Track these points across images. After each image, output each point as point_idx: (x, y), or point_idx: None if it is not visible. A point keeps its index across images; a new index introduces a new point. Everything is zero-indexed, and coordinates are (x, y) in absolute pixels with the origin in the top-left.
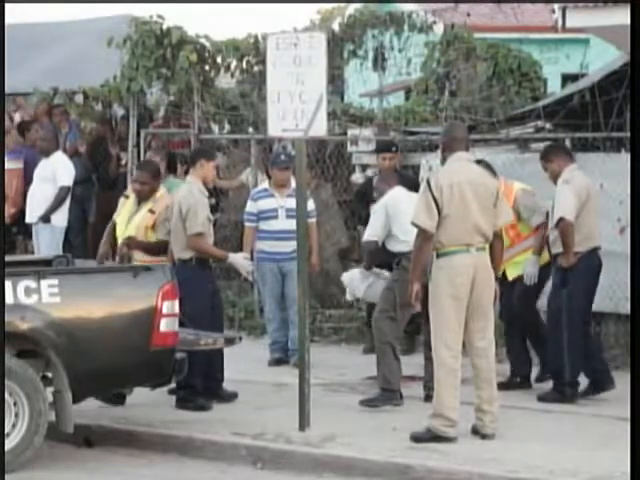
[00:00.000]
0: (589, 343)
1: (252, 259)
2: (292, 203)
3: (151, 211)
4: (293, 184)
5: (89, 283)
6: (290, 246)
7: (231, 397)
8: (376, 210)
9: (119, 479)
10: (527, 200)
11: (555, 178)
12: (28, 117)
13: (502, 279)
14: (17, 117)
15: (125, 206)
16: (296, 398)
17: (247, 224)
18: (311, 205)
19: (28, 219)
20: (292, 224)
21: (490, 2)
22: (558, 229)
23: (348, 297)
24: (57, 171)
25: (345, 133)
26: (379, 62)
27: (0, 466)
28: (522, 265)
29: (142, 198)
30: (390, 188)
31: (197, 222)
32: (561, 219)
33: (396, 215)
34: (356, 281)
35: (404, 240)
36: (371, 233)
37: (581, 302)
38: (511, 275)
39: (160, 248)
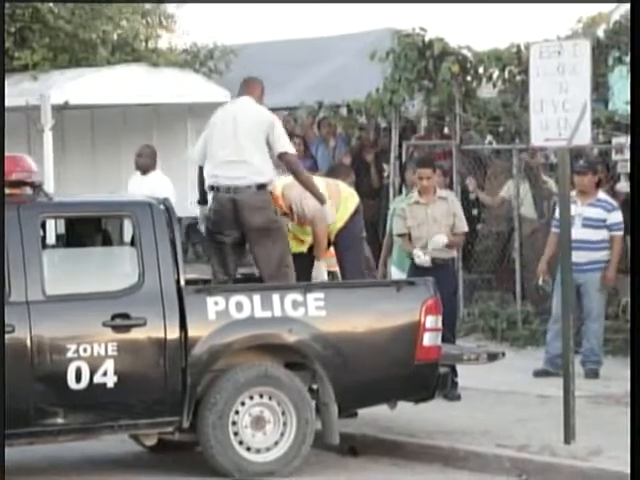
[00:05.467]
0: None
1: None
2: (591, 212)
3: None
4: (599, 194)
5: (353, 297)
6: (585, 257)
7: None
8: None
9: None
10: None
11: None
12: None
13: None
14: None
15: None
16: (560, 410)
17: (553, 229)
18: (618, 217)
19: None
20: (589, 234)
21: None
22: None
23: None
24: (156, 191)
25: (609, 141)
26: None
27: (1, 466)
28: None
29: None
30: None
31: None
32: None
33: None
34: None
35: None
36: None
37: None
38: None
39: None
